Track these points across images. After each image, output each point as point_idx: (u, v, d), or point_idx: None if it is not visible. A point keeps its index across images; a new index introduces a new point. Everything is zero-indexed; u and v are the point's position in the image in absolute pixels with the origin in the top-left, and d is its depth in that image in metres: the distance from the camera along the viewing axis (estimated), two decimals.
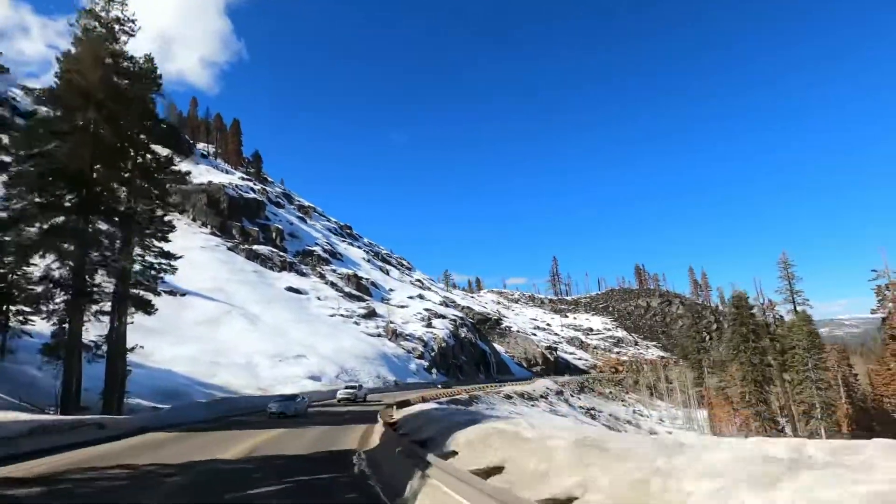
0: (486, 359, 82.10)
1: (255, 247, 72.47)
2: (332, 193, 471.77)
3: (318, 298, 65.42)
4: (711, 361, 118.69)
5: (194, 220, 73.41)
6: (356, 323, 62.23)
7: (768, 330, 66.17)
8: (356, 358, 47.85)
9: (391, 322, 65.86)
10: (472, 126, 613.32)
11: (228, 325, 41.53)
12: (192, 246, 63.30)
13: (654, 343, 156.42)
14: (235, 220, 76.29)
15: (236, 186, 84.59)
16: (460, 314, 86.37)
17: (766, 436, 54.43)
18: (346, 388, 32.28)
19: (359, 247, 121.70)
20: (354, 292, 74.65)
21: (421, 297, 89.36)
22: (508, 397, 45.68)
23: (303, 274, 73.06)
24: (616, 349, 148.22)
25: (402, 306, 78.76)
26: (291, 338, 45.26)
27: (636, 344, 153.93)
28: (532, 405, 45.94)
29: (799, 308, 67.05)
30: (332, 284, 73.31)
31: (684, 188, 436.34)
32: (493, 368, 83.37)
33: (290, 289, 64.16)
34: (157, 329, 33.76)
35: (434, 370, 60.35)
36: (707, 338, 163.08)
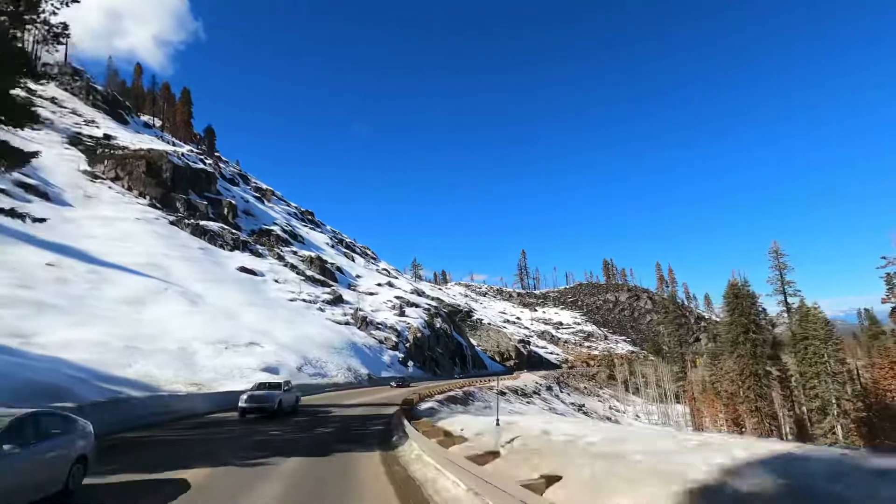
0: (462, 351, 75.67)
1: (203, 222, 63.05)
2: (293, 184, 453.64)
3: (277, 281, 56.99)
4: (693, 355, 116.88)
5: (129, 189, 63.16)
6: (321, 309, 54.33)
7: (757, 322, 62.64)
8: (322, 347, 40.20)
9: (360, 309, 58.27)
10: (435, 119, 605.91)
11: (161, 304, 33.07)
12: (124, 217, 53.60)
13: (623, 338, 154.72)
14: (181, 192, 66.44)
15: (183, 155, 74.36)
16: (434, 304, 79.49)
17: (765, 435, 50.08)
18: (256, 389, 17.97)
19: (321, 232, 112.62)
20: (318, 276, 66.41)
21: (391, 284, 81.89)
22: (502, 394, 39.81)
23: (259, 254, 64.20)
24: (587, 343, 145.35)
25: (372, 293, 71.16)
26: (243, 322, 37.18)
27: (606, 338, 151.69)
28: (528, 402, 40.13)
29: (790, 300, 63.80)
30: (293, 267, 64.83)
31: (652, 184, 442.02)
32: (469, 362, 77.07)
33: (243, 269, 55.43)
34: (56, 306, 25.25)
35: (410, 363, 53.27)
36: (675, 332, 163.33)
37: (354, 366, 41.17)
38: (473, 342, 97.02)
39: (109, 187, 61.33)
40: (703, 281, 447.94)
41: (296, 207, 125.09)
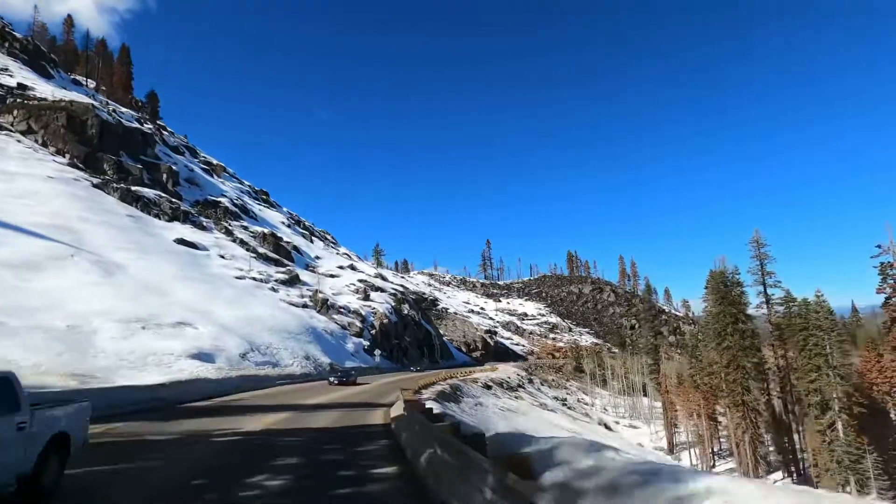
0: (431, 340, 70.00)
1: (136, 188, 54.13)
2: (248, 166, 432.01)
3: (223, 257, 49.28)
4: (668, 347, 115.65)
5: (45, 144, 53.40)
6: (274, 289, 47.17)
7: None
8: (274, 331, 33.48)
9: (320, 291, 51.48)
10: (397, 106, 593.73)
11: (60, 272, 25.50)
12: (32, 174, 44.45)
13: (586, 330, 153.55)
14: (110, 152, 57.02)
15: (115, 112, 64.56)
16: (400, 289, 73.28)
17: (747, 429, 46.95)
18: None
19: (277, 212, 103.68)
20: (272, 254, 58.88)
21: (353, 268, 75.02)
22: (487, 387, 34.57)
23: (202, 227, 55.98)
24: (551, 335, 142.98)
25: (333, 275, 64.24)
26: (174, 299, 29.94)
27: (570, 330, 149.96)
28: (515, 396, 35.20)
29: (770, 291, 61.61)
30: (243, 243, 57.00)
31: (617, 178, 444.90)
32: (438, 352, 71.52)
33: (181, 241, 47.41)
34: None
35: (377, 352, 47.01)
36: (637, 326, 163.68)
37: (314, 354, 34.64)
38: (441, 332, 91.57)
39: (18, 141, 51.49)
40: (664, 276, 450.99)
41: (249, 186, 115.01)
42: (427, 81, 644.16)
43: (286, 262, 59.74)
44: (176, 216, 53.91)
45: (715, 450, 58.55)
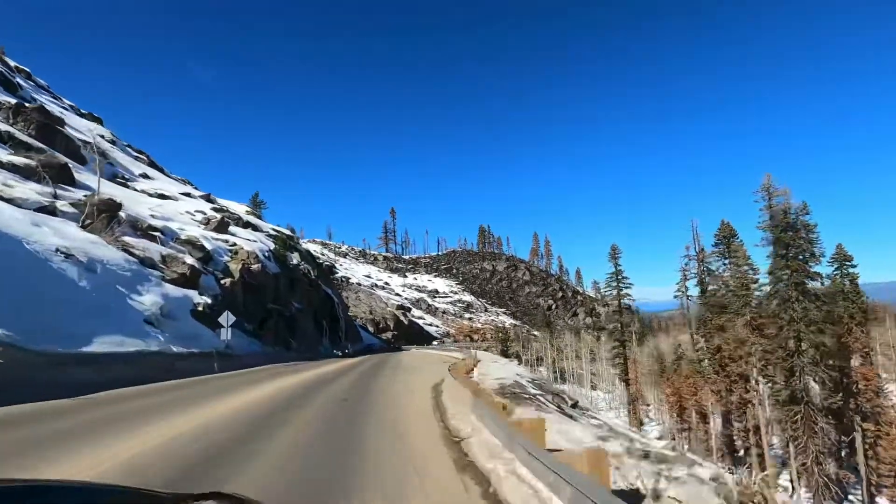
0: (334, 311, 45.46)
1: None
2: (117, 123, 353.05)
3: None
4: (598, 332, 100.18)
5: None
6: (8, 185, 20.19)
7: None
8: None
9: (114, 199, 24.55)
10: (288, 59, 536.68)
11: None
12: None
13: (503, 310, 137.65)
14: None
15: None
16: (287, 232, 47.28)
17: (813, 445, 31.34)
18: None
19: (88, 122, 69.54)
20: (31, 140, 30.00)
21: (210, 199, 47.31)
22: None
23: None
24: (467, 315, 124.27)
25: (165, 196, 36.70)
26: None
27: (486, 310, 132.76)
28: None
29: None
30: None
31: (534, 153, 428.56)
32: (343, 331, 47.15)
33: None
34: None
35: (227, 320, 21.31)
36: (553, 306, 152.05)
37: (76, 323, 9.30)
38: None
39: None
40: (575, 256, 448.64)
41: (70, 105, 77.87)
42: (323, 30, 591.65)
43: (61, 156, 31.10)
44: None
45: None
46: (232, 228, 34.63)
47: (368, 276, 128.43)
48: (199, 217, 34.02)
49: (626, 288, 63.93)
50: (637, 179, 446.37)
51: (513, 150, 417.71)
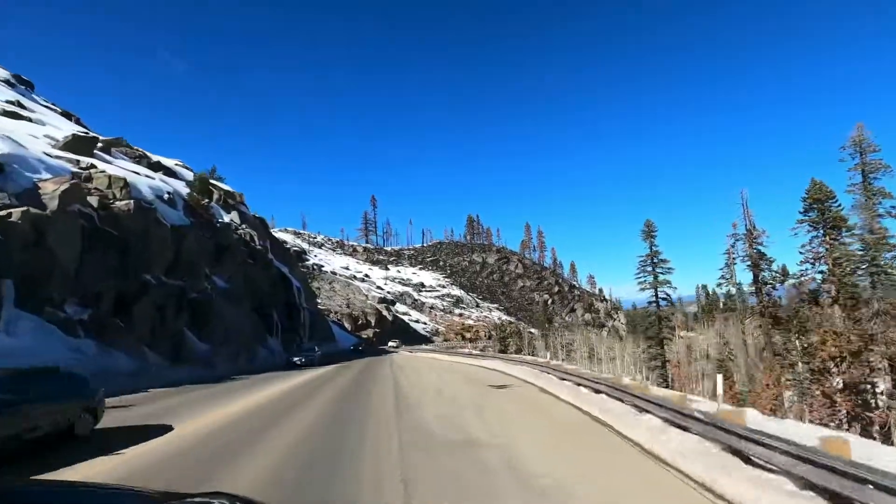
0: (292, 299, 32.31)
1: None
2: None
3: None
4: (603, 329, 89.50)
5: None
6: None
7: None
8: None
9: None
10: (263, 37, 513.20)
11: None
12: None
13: (495, 305, 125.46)
14: None
15: None
16: (227, 189, 33.80)
17: None
18: None
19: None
20: None
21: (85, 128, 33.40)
22: None
23: None
24: (457, 311, 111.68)
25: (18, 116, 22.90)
26: None
27: (478, 305, 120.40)
28: None
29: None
30: None
31: (527, 138, 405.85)
32: (306, 325, 33.96)
33: None
34: None
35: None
36: (549, 302, 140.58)
37: None
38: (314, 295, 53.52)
39: None
40: (570, 250, 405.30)
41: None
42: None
43: None
44: None
45: None
46: (116, 161, 21.13)
47: (346, 268, 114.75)
48: (60, 144, 20.49)
49: (665, 273, 52.08)
50: (636, 173, 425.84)
51: (503, 135, 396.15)
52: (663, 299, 52.16)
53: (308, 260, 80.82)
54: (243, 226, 28.50)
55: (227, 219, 26.26)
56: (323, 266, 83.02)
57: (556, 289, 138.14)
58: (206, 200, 24.44)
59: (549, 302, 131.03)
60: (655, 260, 51.85)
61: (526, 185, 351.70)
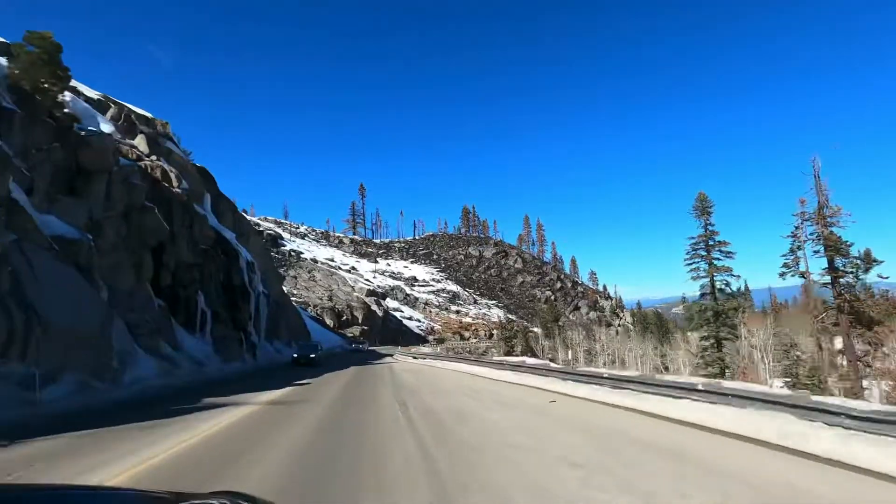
0: (237, 277, 21.76)
1: None
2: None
3: None
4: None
5: None
6: None
7: None
8: None
9: None
10: (245, 26, 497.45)
11: None
12: None
13: (493, 302, 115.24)
14: None
15: None
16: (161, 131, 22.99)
17: None
18: None
19: None
20: None
21: None
22: None
23: None
24: (454, 307, 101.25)
25: None
26: None
27: (475, 302, 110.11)
28: None
29: None
30: None
31: (521, 122, 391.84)
32: (260, 315, 23.35)
33: None
34: None
35: None
36: (552, 298, 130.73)
37: None
38: (283, 288, 42.69)
39: None
40: (570, 245, 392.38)
41: None
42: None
43: None
44: None
45: None
46: None
47: (331, 260, 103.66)
48: None
49: (725, 258, 42.21)
50: (632, 165, 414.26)
51: (500, 123, 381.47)
52: (720, 290, 42.12)
53: (284, 244, 70.01)
54: (152, 157, 18.04)
55: (105, 128, 15.82)
56: (303, 253, 72.14)
57: (559, 285, 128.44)
58: (56, 87, 13.90)
59: (552, 299, 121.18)
60: (711, 242, 41.93)
61: (525, 175, 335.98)
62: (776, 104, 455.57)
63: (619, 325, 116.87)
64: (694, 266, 43.22)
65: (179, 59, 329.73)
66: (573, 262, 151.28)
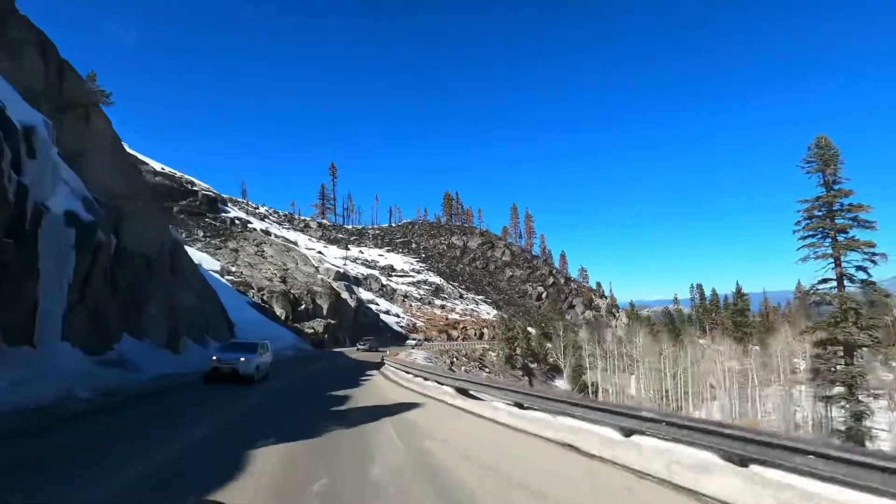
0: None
1: None
2: None
3: None
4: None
5: None
6: None
7: None
8: None
9: None
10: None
11: None
12: None
13: (480, 297, 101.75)
14: None
15: None
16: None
17: None
18: None
19: None
20: None
21: None
22: None
23: None
24: (438, 301, 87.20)
25: None
26: None
27: (461, 297, 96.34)
28: None
29: None
30: None
31: (506, 103, 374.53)
32: (159, 306, 9.08)
33: None
34: None
35: None
36: (543, 295, 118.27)
37: None
38: (215, 263, 27.97)
39: None
40: (560, 240, 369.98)
41: None
42: None
43: None
44: None
45: None
46: None
47: (296, 244, 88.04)
48: None
49: (857, 229, 29.62)
50: (630, 158, 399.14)
51: (483, 106, 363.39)
52: (849, 277, 29.43)
53: (228, 211, 54.89)
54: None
55: None
56: (249, 222, 57.03)
57: (551, 280, 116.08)
58: None
59: (544, 295, 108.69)
60: (837, 206, 29.25)
61: (511, 163, 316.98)
62: (761, 101, 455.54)
63: (616, 326, 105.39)
64: (809, 240, 30.37)
65: (140, 35, 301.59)
66: (563, 257, 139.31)
